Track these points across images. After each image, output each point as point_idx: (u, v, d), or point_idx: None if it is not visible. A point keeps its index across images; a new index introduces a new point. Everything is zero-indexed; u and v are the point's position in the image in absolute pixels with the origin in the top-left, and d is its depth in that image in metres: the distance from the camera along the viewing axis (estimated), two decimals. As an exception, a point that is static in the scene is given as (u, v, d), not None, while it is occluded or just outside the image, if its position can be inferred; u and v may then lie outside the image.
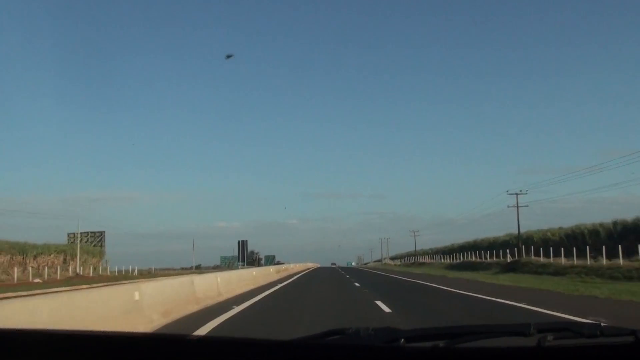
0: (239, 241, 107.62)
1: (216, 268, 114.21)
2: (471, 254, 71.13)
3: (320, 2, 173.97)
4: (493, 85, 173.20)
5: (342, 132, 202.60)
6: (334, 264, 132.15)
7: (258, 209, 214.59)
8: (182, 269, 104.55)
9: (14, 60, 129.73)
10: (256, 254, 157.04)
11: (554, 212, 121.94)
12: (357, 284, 24.96)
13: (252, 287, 20.08)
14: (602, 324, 1.90)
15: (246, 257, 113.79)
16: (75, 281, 46.94)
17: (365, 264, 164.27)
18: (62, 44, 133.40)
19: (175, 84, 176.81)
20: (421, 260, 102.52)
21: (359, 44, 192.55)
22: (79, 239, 65.39)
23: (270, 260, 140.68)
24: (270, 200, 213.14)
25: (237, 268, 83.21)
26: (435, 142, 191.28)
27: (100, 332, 1.88)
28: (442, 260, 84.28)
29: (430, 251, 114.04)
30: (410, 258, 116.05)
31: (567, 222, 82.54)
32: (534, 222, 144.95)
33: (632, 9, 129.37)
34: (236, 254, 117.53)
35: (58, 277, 55.69)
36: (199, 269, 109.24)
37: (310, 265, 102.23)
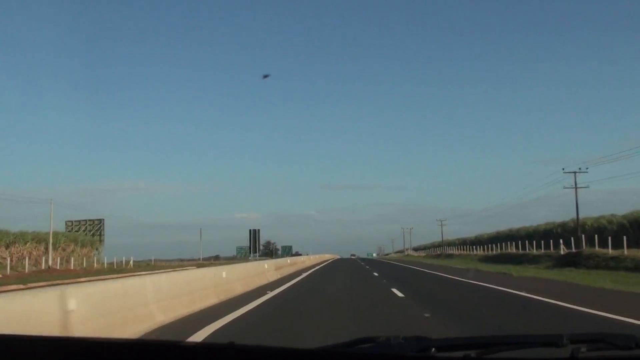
0: (250, 230, 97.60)
1: (233, 259, 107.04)
2: (509, 245, 62.21)
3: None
4: (511, 73, 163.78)
5: (360, 123, 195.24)
6: (354, 255, 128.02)
7: (277, 200, 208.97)
8: (199, 259, 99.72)
9: (28, 49, 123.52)
10: (273, 244, 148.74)
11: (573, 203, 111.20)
12: (397, 292, 15.31)
13: (200, 305, 10.41)
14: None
15: (259, 247, 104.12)
16: (43, 276, 38.30)
17: (387, 254, 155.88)
18: (75, 34, 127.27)
19: (192, 76, 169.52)
20: (448, 251, 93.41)
21: (377, 30, 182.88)
22: (51, 226, 56.41)
23: (288, 251, 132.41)
24: (290, 191, 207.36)
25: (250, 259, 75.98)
26: (457, 132, 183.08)
27: (88, 338, 1.73)
28: (475, 251, 74.91)
29: (456, 242, 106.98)
30: (436, 249, 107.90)
31: (590, 212, 71.30)
32: (552, 214, 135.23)
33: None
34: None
35: (26, 271, 46.89)
36: (215, 260, 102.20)
37: (328, 256, 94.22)
